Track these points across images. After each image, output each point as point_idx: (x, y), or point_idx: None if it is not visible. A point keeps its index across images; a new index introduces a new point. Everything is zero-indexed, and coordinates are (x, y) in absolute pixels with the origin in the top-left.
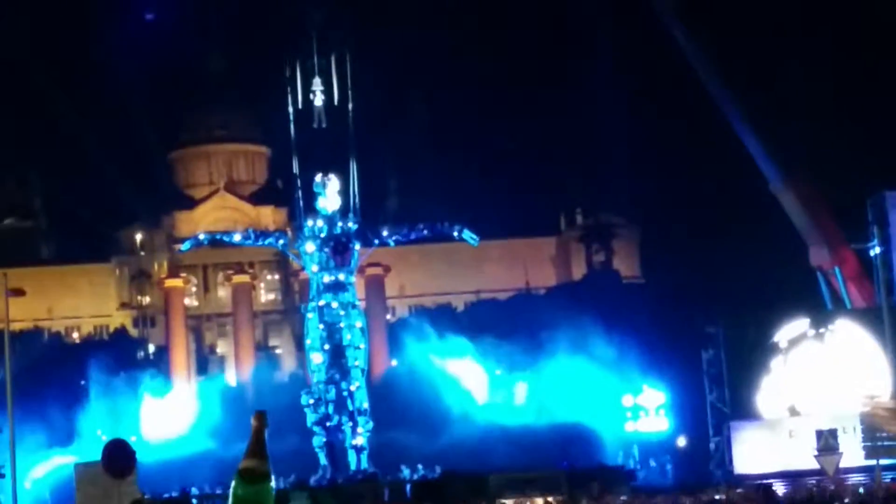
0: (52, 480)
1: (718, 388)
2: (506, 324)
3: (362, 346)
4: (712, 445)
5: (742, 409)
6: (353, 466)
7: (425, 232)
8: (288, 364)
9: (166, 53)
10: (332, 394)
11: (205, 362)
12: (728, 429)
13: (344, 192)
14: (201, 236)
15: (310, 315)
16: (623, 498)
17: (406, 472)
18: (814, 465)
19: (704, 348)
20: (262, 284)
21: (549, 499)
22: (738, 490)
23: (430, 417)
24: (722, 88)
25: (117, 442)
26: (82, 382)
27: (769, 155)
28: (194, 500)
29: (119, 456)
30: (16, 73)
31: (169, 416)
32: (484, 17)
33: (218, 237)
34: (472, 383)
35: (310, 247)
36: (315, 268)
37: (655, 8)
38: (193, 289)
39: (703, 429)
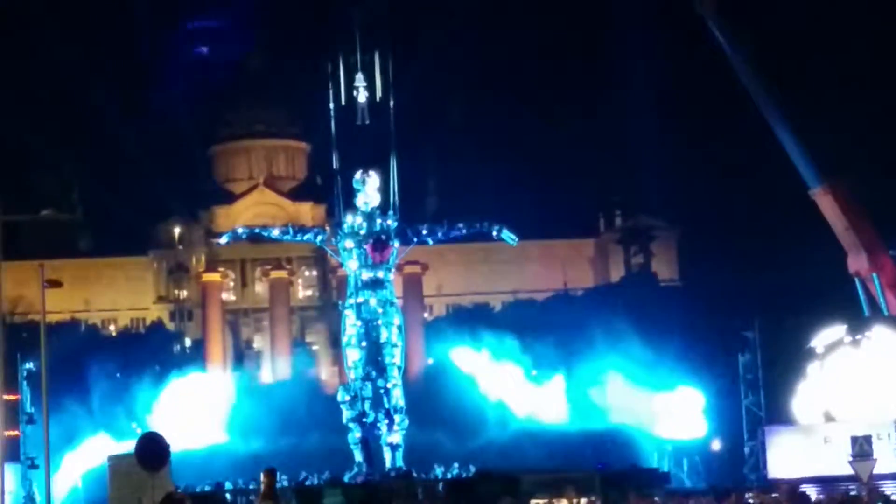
0: (85, 472)
1: (754, 392)
2: (543, 324)
3: (399, 343)
4: (747, 449)
5: (777, 414)
6: (387, 464)
7: (464, 231)
8: (324, 360)
9: (208, 48)
10: (368, 391)
11: (241, 357)
12: (763, 433)
13: (384, 189)
14: (240, 230)
15: (347, 312)
16: (656, 500)
17: (439, 471)
18: (848, 470)
19: (741, 352)
20: (300, 280)
21: (583, 500)
22: (773, 494)
23: (465, 417)
24: (762, 90)
25: (152, 435)
26: (118, 375)
27: (809, 159)
28: (228, 495)
29: (153, 449)
30: (55, 68)
31: (201, 410)
32: (524, 16)
33: (257, 231)
34: (508, 383)
35: (349, 243)
36: (354, 264)
37: (695, 8)
38: (231, 283)
39: (738, 432)
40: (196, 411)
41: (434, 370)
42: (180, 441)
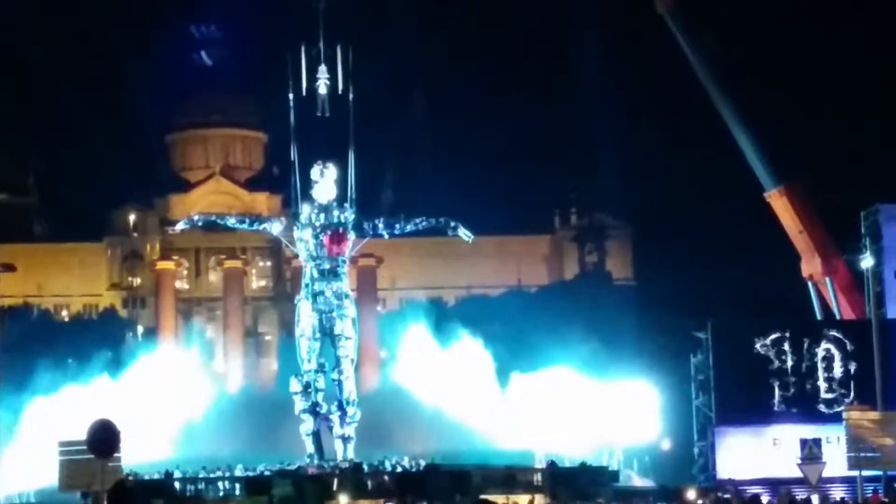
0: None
1: (705, 392)
2: (496, 320)
3: (353, 336)
4: (696, 450)
5: (727, 415)
6: (338, 456)
7: (421, 226)
8: (276, 352)
9: (167, 35)
10: (321, 382)
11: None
12: (713, 434)
13: (341, 181)
14: (196, 217)
15: (302, 303)
16: (600, 501)
17: (389, 464)
18: (797, 473)
19: (693, 353)
20: (254, 270)
21: (538, 497)
22: (724, 495)
23: (417, 411)
24: (721, 93)
25: (103, 422)
26: (70, 360)
27: (765, 161)
28: (177, 483)
29: (104, 436)
30: (14, 51)
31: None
32: (483, 16)
33: (213, 219)
34: (460, 378)
35: (305, 235)
36: (309, 256)
37: (655, 7)
38: (185, 272)
39: (688, 433)
40: (150, 403)
41: (387, 364)
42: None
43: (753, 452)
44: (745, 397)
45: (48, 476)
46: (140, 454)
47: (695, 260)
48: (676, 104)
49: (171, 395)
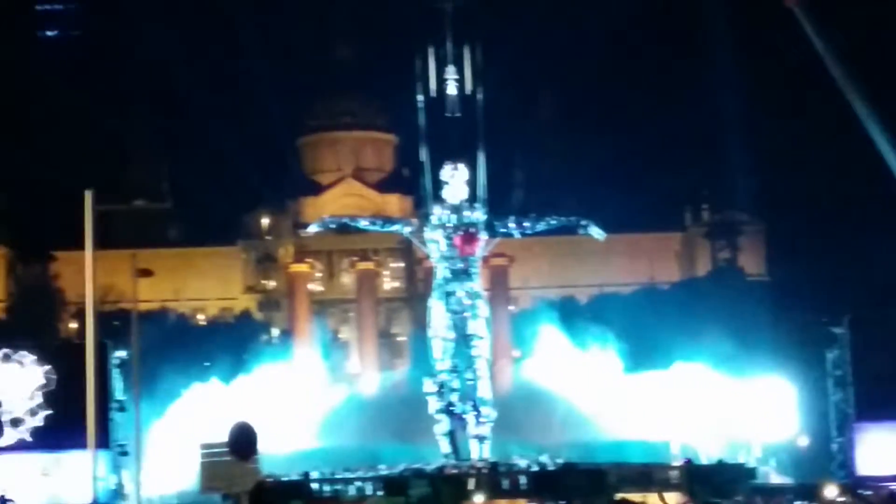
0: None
1: (843, 388)
2: (628, 318)
3: (486, 335)
4: (835, 446)
5: (867, 411)
6: (474, 455)
7: (552, 224)
8: (410, 352)
9: (297, 39)
10: (455, 382)
11: (328, 347)
12: (852, 430)
13: (471, 181)
14: (328, 220)
15: (435, 303)
16: (738, 499)
17: (525, 463)
18: None
19: (829, 348)
20: (387, 272)
21: (673, 495)
22: (866, 492)
23: (551, 408)
24: (853, 87)
25: (243, 425)
26: (207, 363)
27: None
28: (314, 483)
29: (244, 438)
30: (147, 61)
31: (290, 404)
32: (610, 13)
33: (345, 221)
34: (593, 375)
35: (436, 235)
36: (441, 256)
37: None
38: (318, 274)
39: (825, 429)
40: (285, 404)
41: (521, 362)
42: (269, 441)
43: (895, 448)
44: (885, 392)
45: (189, 478)
46: (276, 455)
47: (828, 255)
48: (808, 98)
49: (305, 396)
